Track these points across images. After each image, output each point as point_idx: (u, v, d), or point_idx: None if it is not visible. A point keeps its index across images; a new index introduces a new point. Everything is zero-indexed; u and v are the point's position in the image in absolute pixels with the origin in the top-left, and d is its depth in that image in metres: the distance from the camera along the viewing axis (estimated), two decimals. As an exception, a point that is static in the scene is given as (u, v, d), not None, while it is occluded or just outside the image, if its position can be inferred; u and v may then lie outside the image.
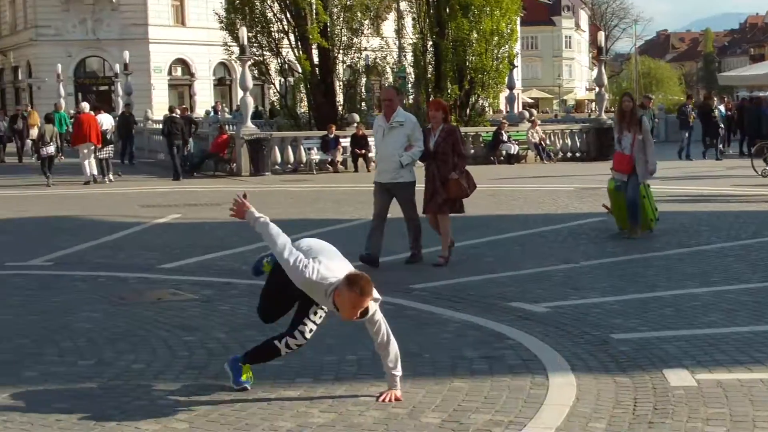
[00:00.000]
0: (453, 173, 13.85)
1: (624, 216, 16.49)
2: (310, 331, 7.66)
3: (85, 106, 32.88)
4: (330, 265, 7.32)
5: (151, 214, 21.20)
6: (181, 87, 72.95)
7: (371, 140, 33.64)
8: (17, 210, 22.67)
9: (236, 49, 36.75)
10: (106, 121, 34.96)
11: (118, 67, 52.27)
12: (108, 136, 31.91)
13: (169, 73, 71.60)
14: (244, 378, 7.80)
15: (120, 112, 43.84)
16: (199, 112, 62.17)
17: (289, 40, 41.09)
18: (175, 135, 32.73)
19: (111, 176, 30.77)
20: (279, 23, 41.18)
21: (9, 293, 12.38)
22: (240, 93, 35.07)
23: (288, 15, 40.77)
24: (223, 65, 72.07)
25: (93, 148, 30.31)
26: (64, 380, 8.22)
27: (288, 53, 41.93)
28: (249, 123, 33.59)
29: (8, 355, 9.09)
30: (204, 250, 15.78)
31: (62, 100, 50.76)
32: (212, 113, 56.81)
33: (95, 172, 30.19)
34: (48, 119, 34.46)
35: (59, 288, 12.75)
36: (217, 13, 44.75)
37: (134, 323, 10.23)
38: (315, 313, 7.67)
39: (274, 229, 7.44)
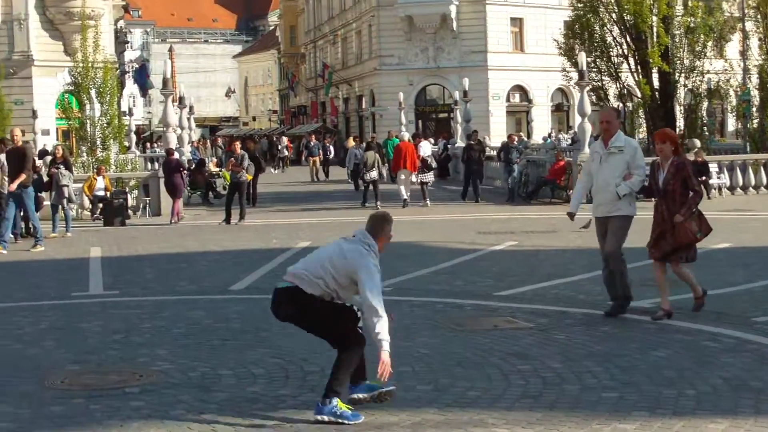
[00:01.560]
0: (678, 215, 11.94)
1: None
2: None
3: (404, 135, 34.84)
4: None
5: (487, 241, 21.37)
6: (519, 113, 73.41)
7: (712, 167, 32.77)
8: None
9: (574, 75, 36.63)
10: (426, 148, 36.06)
11: (457, 95, 53.08)
12: (429, 162, 33.33)
13: (507, 99, 72.17)
14: (346, 409, 8.05)
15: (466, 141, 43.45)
16: (536, 138, 62.38)
17: (628, 64, 40.63)
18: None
19: (428, 201, 32.06)
20: (618, 47, 40.83)
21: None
22: (578, 119, 34.89)
23: (628, 39, 40.33)
24: (561, 91, 72.13)
25: (408, 173, 31.91)
26: (402, 405, 8.39)
27: (627, 78, 41.46)
28: (586, 149, 33.37)
29: (348, 378, 9.35)
30: (540, 278, 15.77)
31: (403, 127, 52.06)
32: (549, 140, 56.94)
33: (406, 197, 31.58)
34: (369, 146, 36.10)
35: (398, 313, 13.02)
36: (555, 39, 44.92)
37: (470, 350, 10.32)
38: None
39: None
